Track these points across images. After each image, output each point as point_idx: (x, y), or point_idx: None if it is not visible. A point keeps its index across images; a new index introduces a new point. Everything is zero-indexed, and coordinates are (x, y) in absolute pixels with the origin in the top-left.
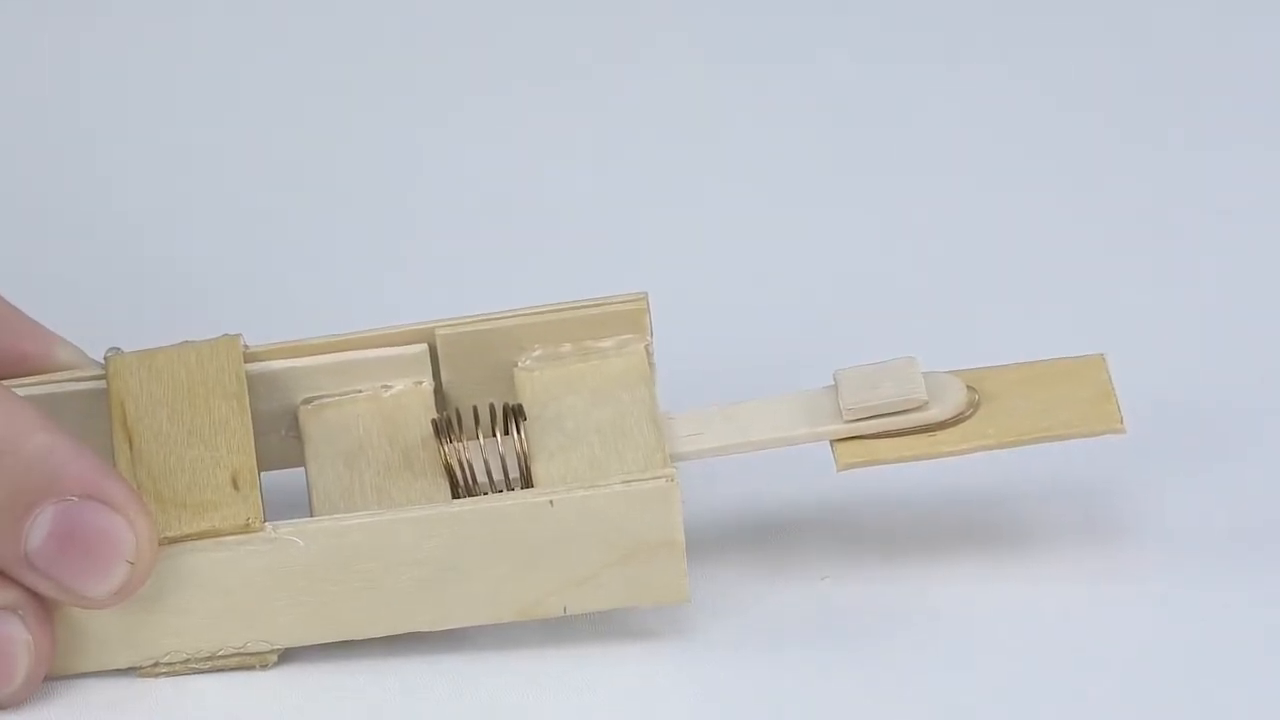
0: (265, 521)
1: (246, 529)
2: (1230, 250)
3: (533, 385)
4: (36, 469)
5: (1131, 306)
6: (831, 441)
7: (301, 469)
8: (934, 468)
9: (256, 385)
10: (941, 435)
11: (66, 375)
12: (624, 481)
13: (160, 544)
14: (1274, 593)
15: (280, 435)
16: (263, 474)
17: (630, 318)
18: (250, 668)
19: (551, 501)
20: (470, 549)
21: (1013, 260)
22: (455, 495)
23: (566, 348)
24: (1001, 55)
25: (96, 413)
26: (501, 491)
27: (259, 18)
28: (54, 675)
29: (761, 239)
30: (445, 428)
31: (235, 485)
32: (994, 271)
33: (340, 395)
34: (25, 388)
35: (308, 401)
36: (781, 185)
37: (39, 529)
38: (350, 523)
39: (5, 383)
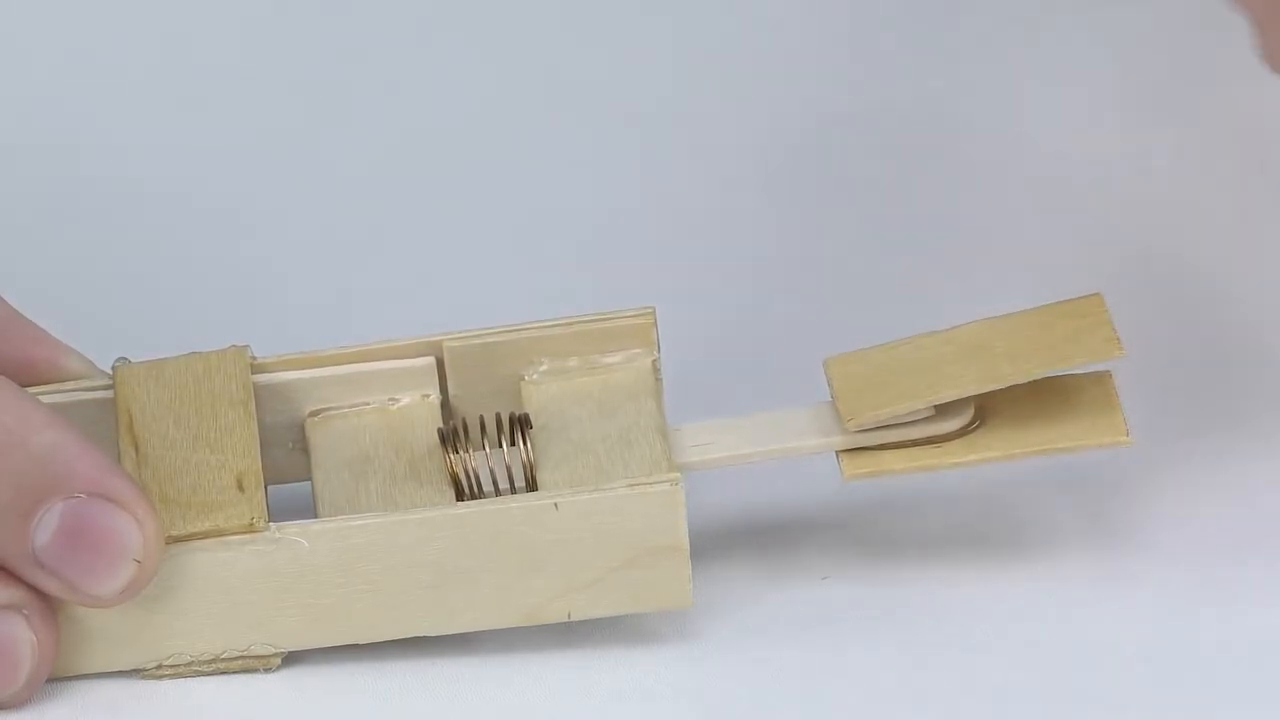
0: (270, 522)
1: (251, 529)
2: (1229, 248)
3: (539, 398)
4: (44, 465)
5: (1132, 306)
6: (838, 452)
7: (308, 484)
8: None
9: (264, 397)
10: (948, 447)
11: (74, 385)
12: (629, 485)
13: (165, 543)
14: (1276, 595)
15: (287, 448)
16: (269, 487)
17: (638, 332)
18: (254, 670)
19: (556, 504)
20: (475, 552)
21: (1017, 268)
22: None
23: (574, 362)
24: (1019, 57)
25: (104, 421)
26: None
27: (268, 27)
28: (57, 676)
29: (769, 252)
30: (451, 436)
31: (240, 487)
32: (1000, 281)
33: (347, 407)
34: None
35: (315, 414)
36: (789, 196)
37: (46, 526)
38: (355, 524)
39: None
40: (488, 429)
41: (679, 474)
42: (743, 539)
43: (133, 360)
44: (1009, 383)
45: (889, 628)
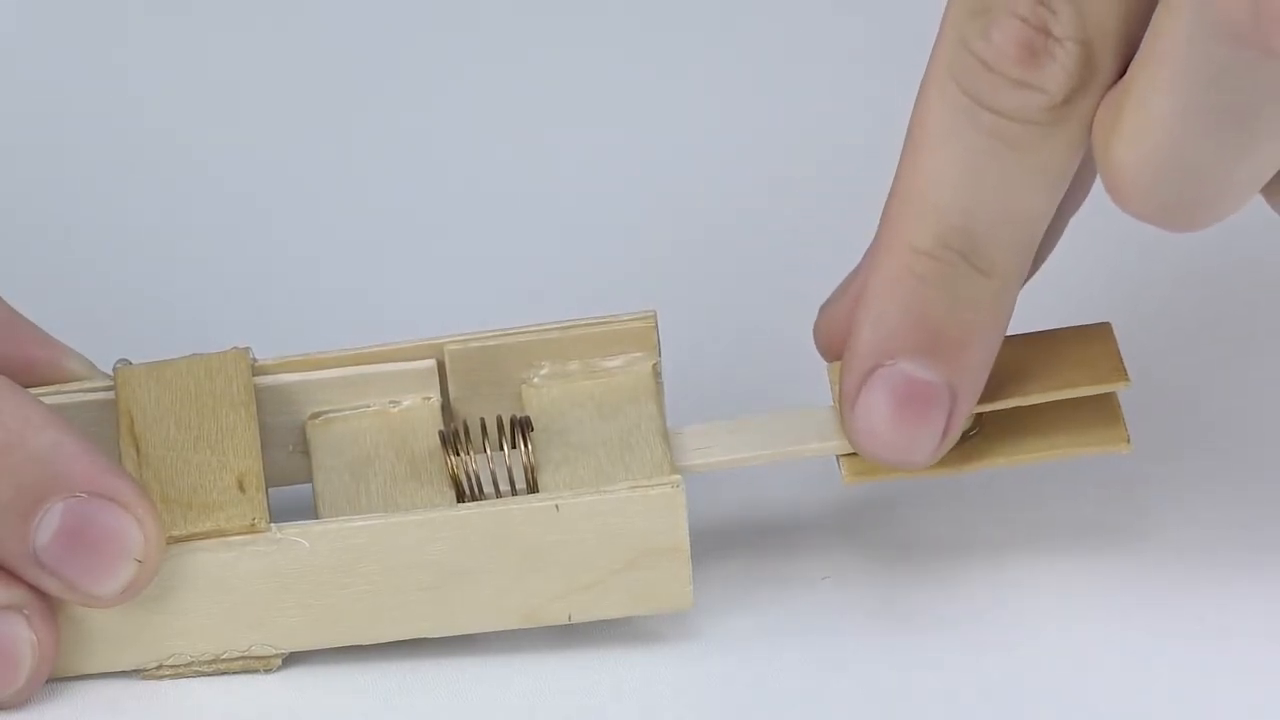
0: (271, 523)
1: (252, 529)
2: (1231, 249)
3: (540, 401)
4: (44, 465)
5: (1133, 305)
6: (838, 456)
7: (309, 487)
8: None
9: (265, 399)
10: (948, 453)
11: (75, 386)
12: (630, 487)
13: (166, 543)
14: (1277, 595)
15: (288, 451)
16: (270, 490)
17: (638, 335)
18: (254, 670)
19: (557, 506)
20: (475, 553)
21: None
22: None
23: (574, 365)
24: None
25: (105, 423)
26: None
27: (270, 30)
28: (57, 676)
29: (770, 254)
30: (452, 439)
31: (241, 488)
32: None
33: (348, 410)
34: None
35: (315, 416)
36: (790, 198)
37: (47, 525)
38: (355, 525)
39: None
40: (489, 432)
41: (680, 476)
42: (743, 541)
43: (134, 362)
44: (1011, 403)
45: (889, 628)
